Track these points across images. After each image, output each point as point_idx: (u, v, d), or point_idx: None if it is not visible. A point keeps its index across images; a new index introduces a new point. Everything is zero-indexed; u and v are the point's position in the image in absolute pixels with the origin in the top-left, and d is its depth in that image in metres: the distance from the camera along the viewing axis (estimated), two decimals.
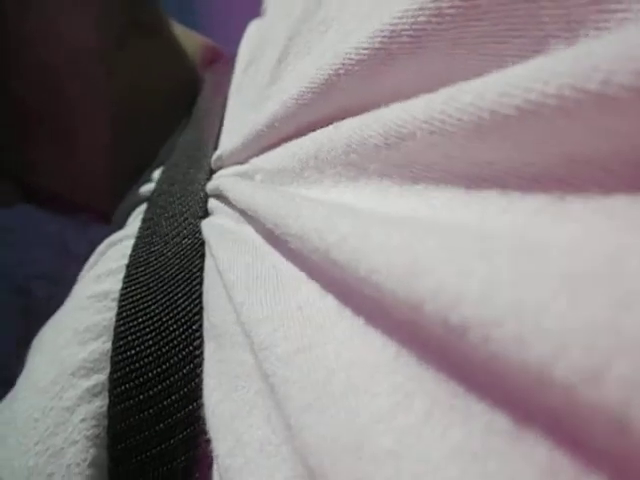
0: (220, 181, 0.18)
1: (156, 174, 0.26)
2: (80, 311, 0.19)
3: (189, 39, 0.34)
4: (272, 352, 0.11)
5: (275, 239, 0.14)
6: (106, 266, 0.21)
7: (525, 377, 0.06)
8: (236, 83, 0.23)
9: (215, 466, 0.13)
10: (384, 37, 0.11)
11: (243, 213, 0.16)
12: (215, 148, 0.22)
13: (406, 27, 0.10)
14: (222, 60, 0.32)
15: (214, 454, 0.12)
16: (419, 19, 0.10)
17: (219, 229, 0.17)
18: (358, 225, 0.09)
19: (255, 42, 0.22)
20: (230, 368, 0.13)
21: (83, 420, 0.16)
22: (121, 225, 0.25)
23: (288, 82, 0.17)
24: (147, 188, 0.25)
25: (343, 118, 0.13)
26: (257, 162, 0.17)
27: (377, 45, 0.11)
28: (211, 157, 0.21)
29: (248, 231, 0.16)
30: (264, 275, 0.13)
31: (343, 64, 0.12)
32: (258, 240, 0.15)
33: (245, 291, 0.13)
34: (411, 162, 0.10)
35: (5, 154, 0.30)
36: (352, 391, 0.09)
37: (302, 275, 0.12)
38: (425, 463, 0.07)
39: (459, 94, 0.09)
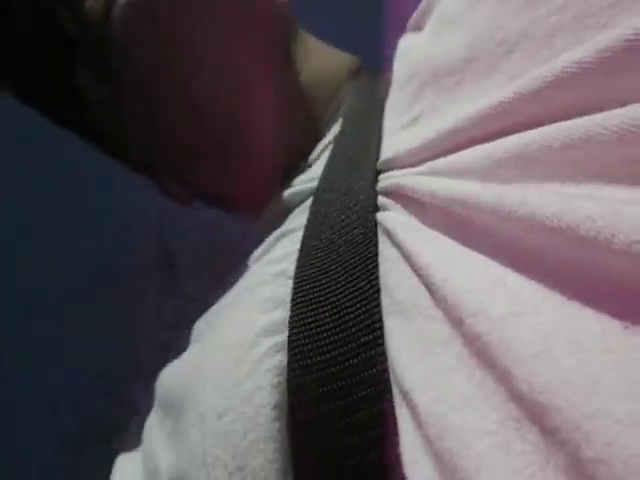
0: (399, 179, 0.20)
1: (312, 173, 0.29)
2: (261, 286, 0.23)
3: (332, 52, 0.37)
4: (484, 316, 0.13)
5: (470, 225, 0.16)
6: (280, 251, 0.24)
7: None
8: (395, 94, 0.25)
9: (402, 416, 0.15)
10: (617, 52, 0.12)
11: (426, 206, 0.18)
12: (378, 151, 0.24)
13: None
14: (363, 71, 0.35)
15: (413, 403, 0.14)
16: None
17: (400, 221, 0.19)
18: (604, 205, 0.11)
19: (420, 58, 0.23)
20: (421, 336, 0.15)
21: (268, 370, 0.19)
22: (280, 220, 0.28)
23: (468, 96, 0.19)
24: (307, 186, 0.28)
25: (546, 123, 0.14)
26: (435, 164, 0.19)
27: (605, 57, 0.13)
28: (374, 158, 0.23)
29: (434, 221, 0.18)
30: (461, 256, 0.15)
31: (558, 77, 0.14)
32: (448, 228, 0.17)
33: (444, 270, 0.15)
34: None
35: (176, 164, 0.35)
36: (577, 347, 0.11)
37: (507, 255, 0.14)
38: None
39: None
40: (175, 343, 0.26)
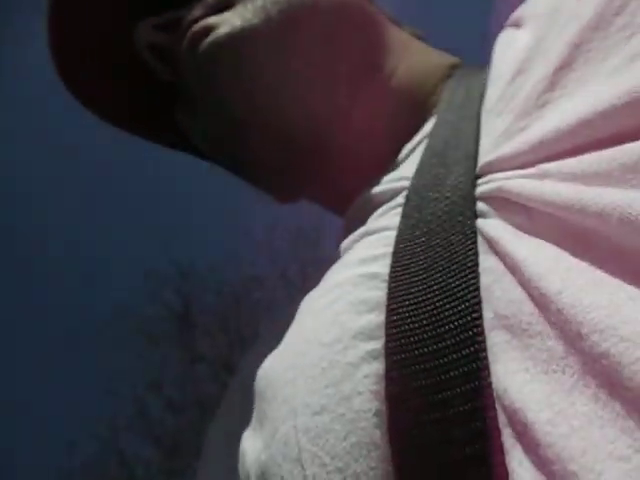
0: (502, 183, 0.20)
1: (400, 172, 0.28)
2: (353, 286, 0.22)
3: (431, 50, 0.36)
4: (613, 334, 0.12)
5: (588, 235, 0.15)
6: (370, 252, 0.24)
7: None
8: (496, 92, 0.24)
9: (511, 435, 0.15)
10: None
11: (532, 213, 0.17)
12: (476, 152, 0.23)
13: None
14: (463, 69, 0.34)
15: (527, 421, 0.14)
16: None
17: (506, 229, 0.18)
18: None
19: (521, 55, 0.22)
20: (535, 354, 0.15)
21: (366, 377, 0.19)
22: (362, 217, 0.28)
23: (579, 87, 0.18)
24: (394, 186, 0.27)
25: None
26: (547, 167, 0.17)
27: None
28: (472, 160, 0.23)
29: (541, 229, 0.17)
30: (577, 267, 0.14)
31: None
32: (558, 237, 0.16)
33: (560, 281, 0.14)
34: None
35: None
36: None
37: (634, 270, 0.13)
38: None
39: None
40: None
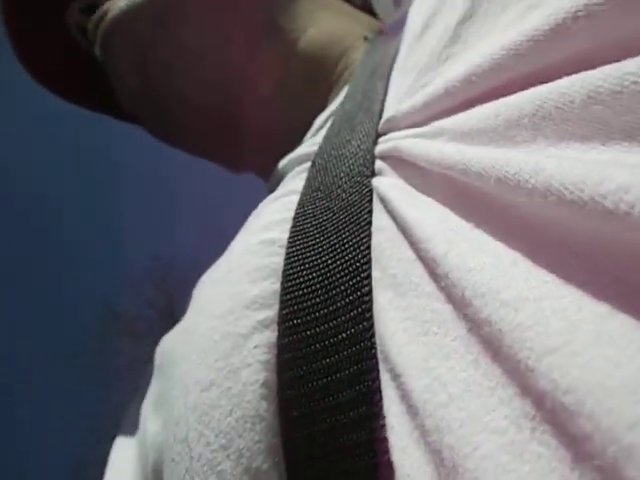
0: (396, 142, 0.19)
1: (315, 139, 0.27)
2: (250, 255, 0.21)
3: (350, 12, 0.35)
4: (495, 298, 0.11)
5: (474, 196, 0.14)
6: (272, 217, 0.23)
7: None
8: (405, 50, 0.23)
9: (390, 397, 0.14)
10: None
11: (426, 172, 0.17)
12: (380, 112, 0.22)
13: None
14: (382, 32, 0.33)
15: (406, 387, 0.13)
16: None
17: (397, 187, 0.18)
18: (638, 173, 0.09)
19: (429, 10, 0.22)
20: (417, 314, 0.14)
21: (256, 347, 0.18)
22: (278, 183, 0.27)
23: (478, 40, 0.17)
24: (307, 150, 0.27)
25: (558, 76, 0.12)
26: (441, 124, 0.17)
27: None
28: (376, 120, 0.22)
29: (434, 189, 0.16)
30: (464, 230, 0.14)
31: (585, 9, 0.12)
32: (453, 198, 0.15)
33: (446, 243, 0.14)
34: None
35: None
36: (606, 341, 0.09)
37: (515, 231, 0.12)
38: None
39: None
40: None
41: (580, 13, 0.12)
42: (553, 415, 0.09)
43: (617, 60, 0.11)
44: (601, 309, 0.10)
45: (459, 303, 0.13)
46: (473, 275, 0.12)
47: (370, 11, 0.38)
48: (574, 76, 0.12)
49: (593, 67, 0.11)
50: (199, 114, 0.34)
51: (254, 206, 0.26)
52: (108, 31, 0.34)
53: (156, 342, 0.25)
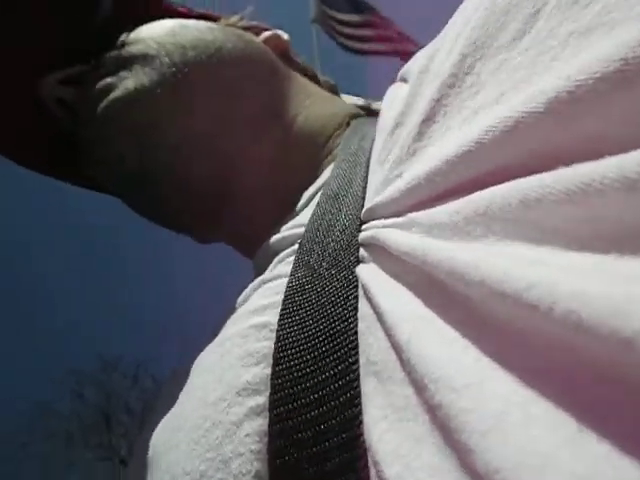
0: (375, 231, 0.20)
1: (300, 219, 0.29)
2: (242, 339, 0.22)
3: (334, 98, 0.38)
4: (444, 385, 0.12)
5: (434, 286, 0.15)
6: (262, 301, 0.24)
7: None
8: (380, 142, 0.25)
9: None
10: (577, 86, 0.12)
11: (400, 261, 0.18)
12: (362, 199, 0.24)
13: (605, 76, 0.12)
14: (360, 116, 0.36)
15: (382, 476, 0.14)
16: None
17: (376, 275, 0.19)
18: (546, 273, 0.11)
19: (400, 107, 0.24)
20: (394, 401, 0.15)
21: (247, 435, 0.18)
22: (266, 264, 0.28)
23: (440, 139, 0.19)
24: (293, 232, 0.28)
25: (512, 176, 0.14)
26: (413, 217, 0.18)
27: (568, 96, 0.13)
28: (359, 207, 0.23)
29: (407, 277, 0.17)
30: (428, 317, 0.15)
31: (523, 117, 0.14)
32: (420, 287, 0.16)
33: (410, 331, 0.15)
34: (598, 219, 0.11)
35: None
36: (532, 422, 0.10)
37: (469, 320, 0.13)
38: None
39: None
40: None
41: (519, 124, 0.14)
42: None
43: (547, 169, 0.13)
44: (532, 393, 0.11)
45: (421, 389, 0.14)
46: (429, 362, 0.13)
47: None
48: (512, 182, 0.14)
49: (526, 174, 0.13)
50: (194, 196, 0.34)
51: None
52: (115, 109, 0.32)
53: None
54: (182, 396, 0.23)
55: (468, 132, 0.16)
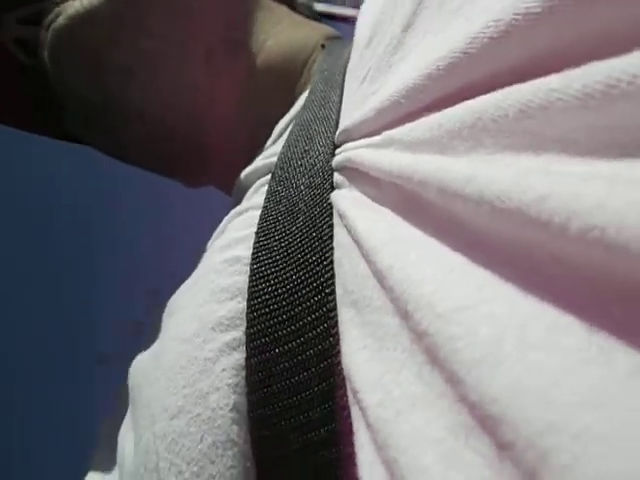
0: (350, 153, 0.19)
1: (274, 148, 0.27)
2: (215, 274, 0.21)
3: (306, 23, 0.35)
4: (431, 311, 0.11)
5: (420, 204, 0.14)
6: (235, 234, 0.23)
7: None
8: (356, 58, 0.23)
9: (355, 414, 0.14)
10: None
11: (380, 183, 0.17)
12: (337, 121, 0.22)
13: None
14: (336, 40, 0.33)
15: (362, 405, 0.13)
16: None
17: (353, 200, 0.18)
18: (560, 183, 0.09)
19: (376, 18, 0.22)
20: (373, 330, 0.14)
21: (224, 370, 0.18)
22: (241, 197, 0.27)
23: (419, 50, 0.17)
24: (266, 162, 0.26)
25: (493, 88, 0.13)
26: (391, 134, 0.17)
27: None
28: (332, 131, 0.22)
29: (388, 199, 0.16)
30: (411, 239, 0.14)
31: (516, 19, 0.12)
32: (402, 208, 0.15)
33: (393, 256, 0.14)
34: (619, 126, 0.10)
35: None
36: (528, 347, 0.09)
37: (462, 240, 0.12)
38: (630, 413, 0.07)
39: None
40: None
41: (514, 24, 0.12)
42: (483, 424, 0.10)
43: (547, 73, 0.11)
44: (528, 311, 0.10)
45: (404, 316, 0.13)
46: (414, 288, 0.12)
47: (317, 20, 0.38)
48: (507, 89, 0.12)
49: (524, 80, 0.12)
50: (157, 127, 0.32)
51: None
52: (62, 31, 0.31)
53: None
54: (161, 334, 0.23)
55: (451, 40, 0.14)
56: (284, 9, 0.36)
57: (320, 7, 0.48)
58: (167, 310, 0.24)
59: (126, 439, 0.22)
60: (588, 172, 0.10)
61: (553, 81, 0.11)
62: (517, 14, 0.12)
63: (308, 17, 0.37)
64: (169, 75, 0.31)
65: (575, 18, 0.11)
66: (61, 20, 0.31)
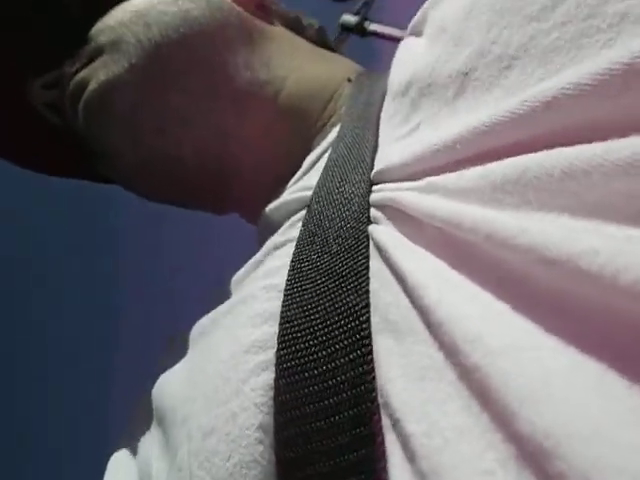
0: (393, 194, 0.20)
1: (305, 182, 0.29)
2: (252, 299, 0.22)
3: (328, 56, 0.37)
4: (482, 346, 0.12)
5: (465, 249, 0.15)
6: (272, 264, 0.24)
7: None
8: (392, 103, 0.24)
9: (390, 440, 0.15)
10: (622, 69, 0.12)
11: (422, 225, 0.17)
12: (372, 160, 0.23)
13: None
14: (362, 76, 0.34)
15: (404, 432, 0.14)
16: None
17: (392, 236, 0.19)
18: (607, 240, 0.11)
19: (416, 67, 0.23)
20: (415, 361, 0.15)
21: (252, 390, 0.19)
22: (269, 228, 0.28)
23: (467, 111, 0.19)
24: (299, 195, 0.27)
25: (546, 146, 0.14)
26: (434, 181, 0.18)
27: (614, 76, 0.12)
28: (368, 169, 0.23)
29: (429, 241, 0.17)
30: (456, 281, 0.15)
31: (555, 97, 0.13)
32: (444, 250, 0.16)
33: (440, 292, 0.15)
34: None
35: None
36: (577, 390, 0.10)
37: (504, 284, 0.13)
38: None
39: None
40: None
41: (560, 97, 0.13)
42: (535, 457, 0.10)
43: (589, 141, 0.12)
44: (573, 359, 0.11)
45: (451, 350, 0.13)
46: (463, 323, 0.13)
47: (325, 45, 0.39)
48: (552, 151, 0.13)
49: (567, 145, 0.13)
50: (191, 173, 0.33)
51: None
52: (92, 104, 0.32)
53: None
54: (197, 355, 0.24)
55: (501, 104, 0.16)
56: (297, 39, 0.37)
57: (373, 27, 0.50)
58: (195, 330, 0.25)
59: (151, 457, 0.23)
60: (627, 235, 0.11)
61: (597, 148, 0.12)
62: (566, 86, 0.13)
63: (316, 42, 0.38)
64: (200, 126, 0.32)
65: (619, 94, 0.12)
66: (89, 92, 0.32)
